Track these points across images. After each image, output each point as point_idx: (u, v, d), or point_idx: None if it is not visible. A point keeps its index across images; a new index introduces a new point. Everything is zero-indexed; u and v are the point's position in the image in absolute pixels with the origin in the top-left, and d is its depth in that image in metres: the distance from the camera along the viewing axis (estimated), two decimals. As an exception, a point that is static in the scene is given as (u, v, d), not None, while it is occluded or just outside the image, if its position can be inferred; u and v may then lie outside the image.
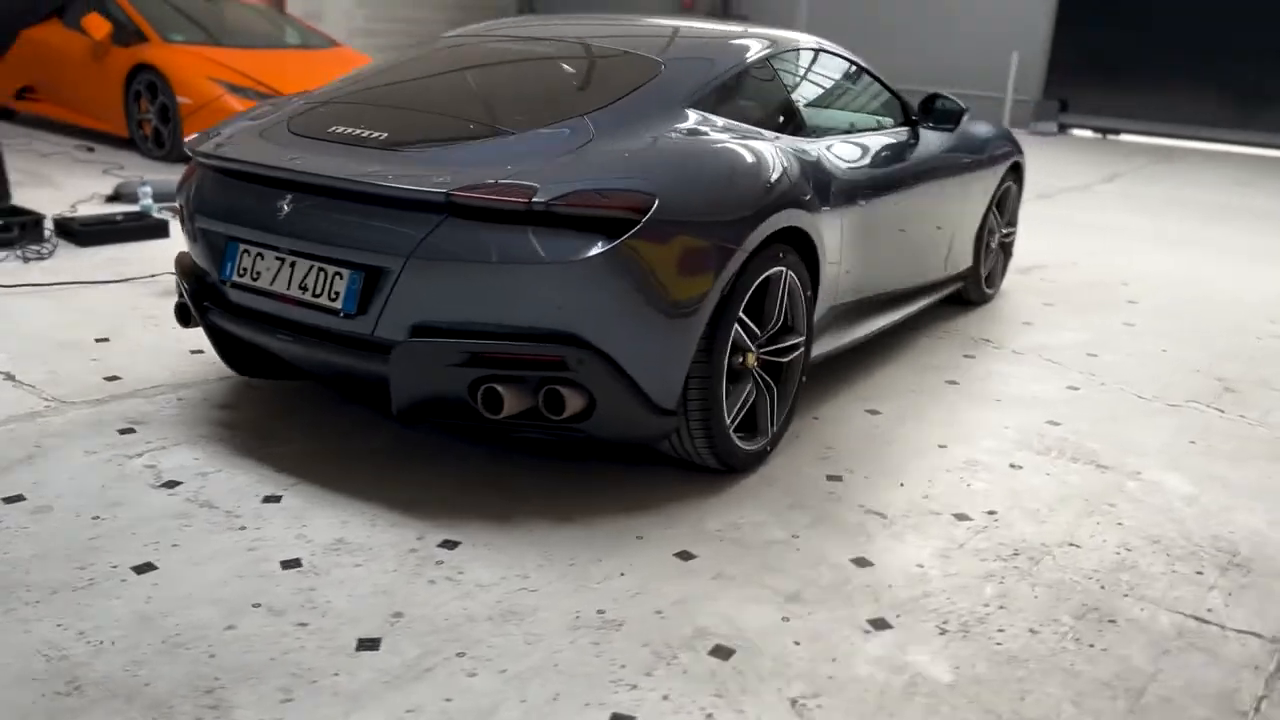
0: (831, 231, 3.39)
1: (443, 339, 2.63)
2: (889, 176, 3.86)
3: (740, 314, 2.93)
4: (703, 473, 3.08)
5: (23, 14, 8.79)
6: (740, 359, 3.01)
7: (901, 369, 4.17)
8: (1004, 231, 5.21)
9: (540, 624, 2.32)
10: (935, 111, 4.25)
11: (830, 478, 3.16)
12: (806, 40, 3.97)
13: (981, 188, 4.74)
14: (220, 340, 3.20)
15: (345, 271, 2.71)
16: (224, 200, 3.01)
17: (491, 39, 3.70)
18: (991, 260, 5.12)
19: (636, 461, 3.13)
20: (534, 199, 2.56)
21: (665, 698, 2.10)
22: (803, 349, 3.29)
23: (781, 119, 3.51)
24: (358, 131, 2.94)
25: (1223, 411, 3.90)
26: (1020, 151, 5.20)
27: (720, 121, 3.18)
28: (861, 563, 2.67)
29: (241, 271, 2.92)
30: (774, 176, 3.05)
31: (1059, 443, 3.52)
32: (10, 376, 3.59)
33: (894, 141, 4.05)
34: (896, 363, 4.24)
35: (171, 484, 2.87)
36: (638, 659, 2.21)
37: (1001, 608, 2.49)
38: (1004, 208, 5.16)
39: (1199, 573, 2.70)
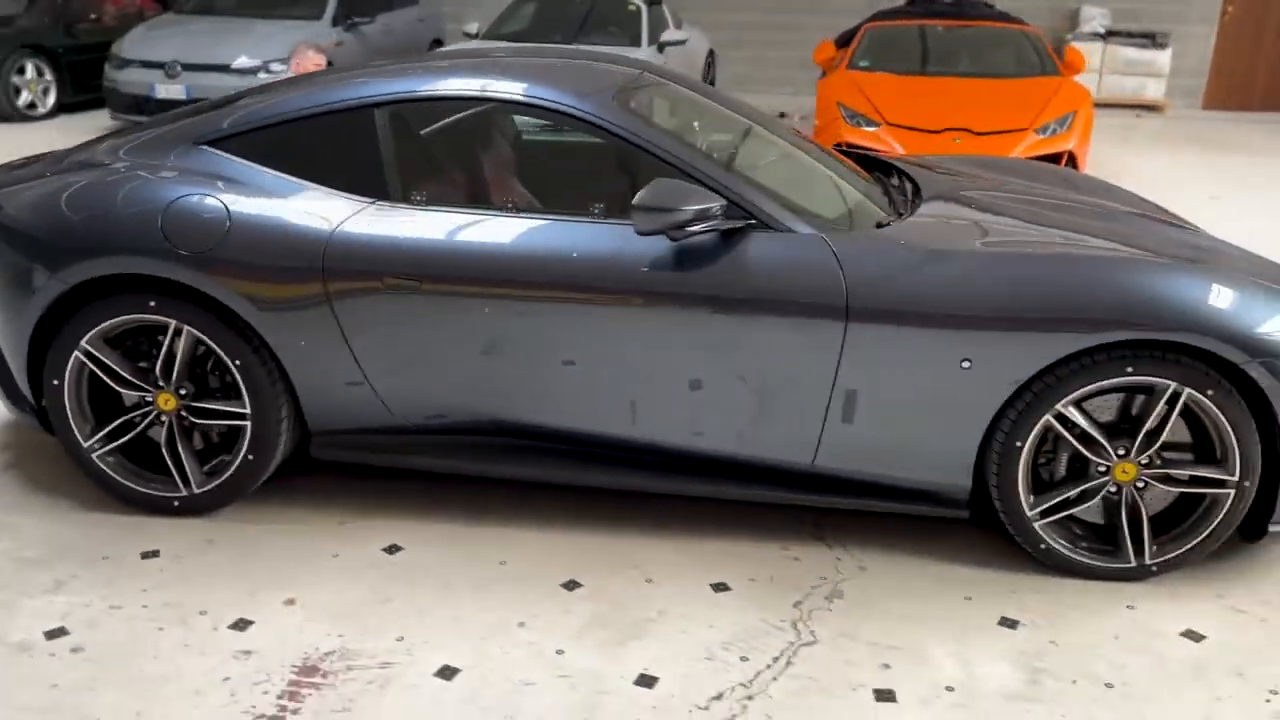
0: (312, 318, 2.99)
1: None
2: (535, 273, 2.93)
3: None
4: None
5: None
6: None
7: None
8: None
9: None
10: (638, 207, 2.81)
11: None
12: (526, 93, 3.14)
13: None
14: None
15: None
16: None
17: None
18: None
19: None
20: None
21: None
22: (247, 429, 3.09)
23: (358, 179, 3.09)
24: None
25: None
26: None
27: (227, 167, 3.09)
28: None
29: None
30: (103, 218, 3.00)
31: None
32: None
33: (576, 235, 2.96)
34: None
35: None
36: None
37: None
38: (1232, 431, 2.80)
39: None
